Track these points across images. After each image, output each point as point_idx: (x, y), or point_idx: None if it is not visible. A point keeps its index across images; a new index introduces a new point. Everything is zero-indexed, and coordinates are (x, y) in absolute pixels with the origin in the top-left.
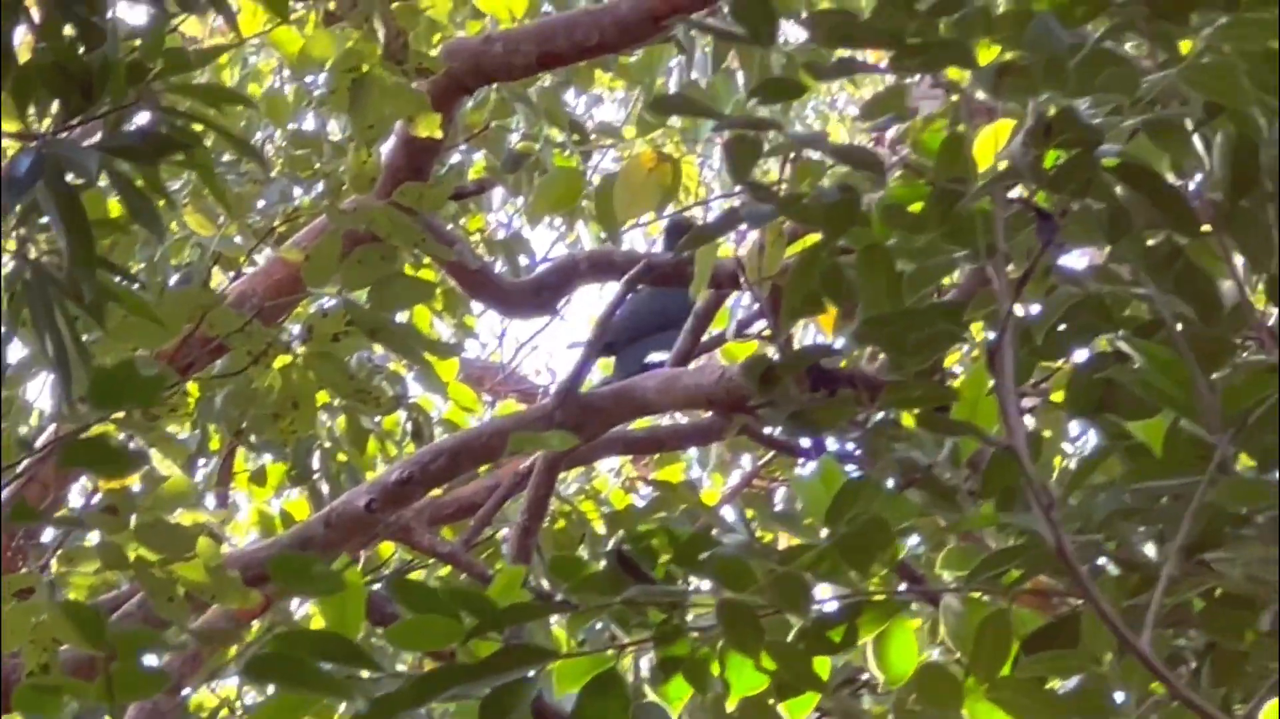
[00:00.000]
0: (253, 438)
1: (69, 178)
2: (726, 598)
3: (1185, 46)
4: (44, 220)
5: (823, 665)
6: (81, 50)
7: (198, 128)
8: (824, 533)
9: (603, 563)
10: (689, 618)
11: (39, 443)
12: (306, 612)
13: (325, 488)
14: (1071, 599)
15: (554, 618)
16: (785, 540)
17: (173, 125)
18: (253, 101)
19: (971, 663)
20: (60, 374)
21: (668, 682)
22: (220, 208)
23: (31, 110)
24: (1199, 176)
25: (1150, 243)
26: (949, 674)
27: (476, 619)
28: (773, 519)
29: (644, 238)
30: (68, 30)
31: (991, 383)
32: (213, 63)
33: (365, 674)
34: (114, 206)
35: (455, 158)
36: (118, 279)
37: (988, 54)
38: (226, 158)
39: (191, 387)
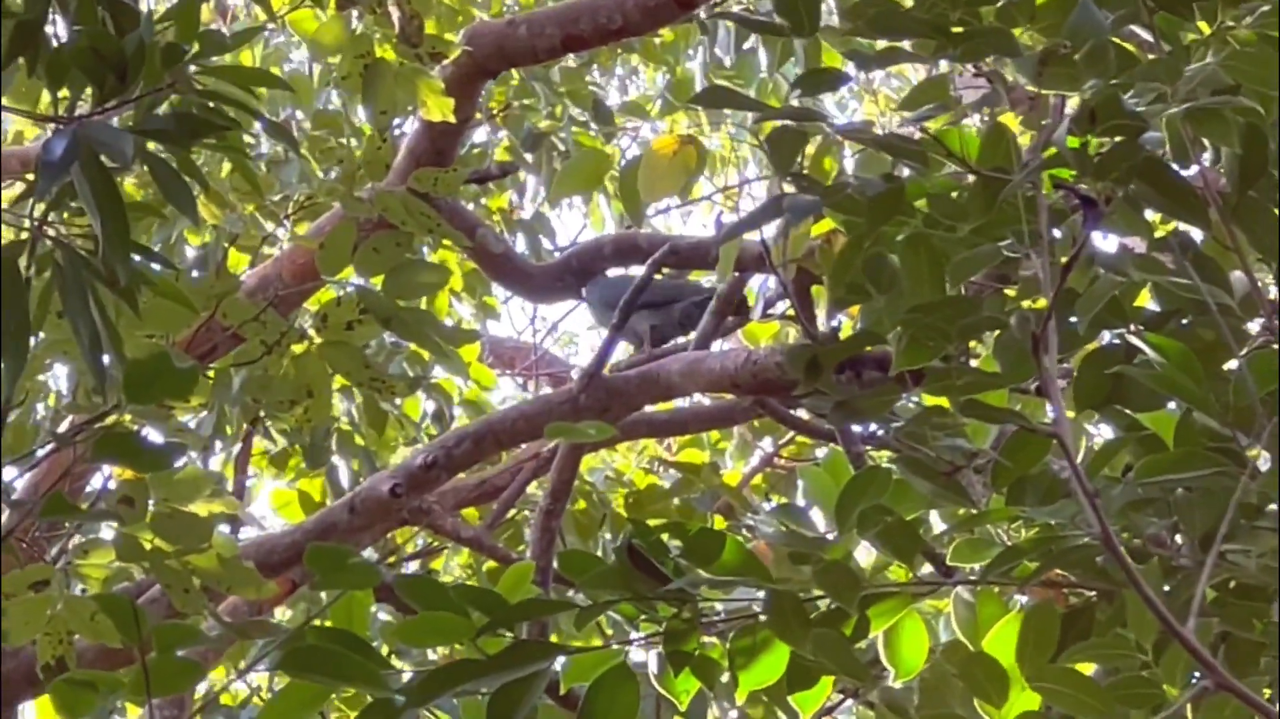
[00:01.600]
0: (269, 425)
1: (104, 161)
2: (775, 588)
3: (1189, 37)
4: (75, 204)
5: None
6: (114, 33)
7: (229, 110)
8: (828, 528)
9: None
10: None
11: (60, 429)
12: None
13: (344, 475)
14: (1082, 590)
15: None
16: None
17: (206, 108)
18: (288, 84)
19: (1018, 655)
20: (92, 361)
21: (676, 676)
22: (237, 192)
23: (66, 93)
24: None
25: (1161, 234)
26: (995, 664)
27: (487, 615)
28: (780, 515)
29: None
30: (99, 13)
31: (1000, 368)
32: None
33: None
34: (132, 190)
35: (480, 137)
36: (150, 263)
37: (1030, 42)
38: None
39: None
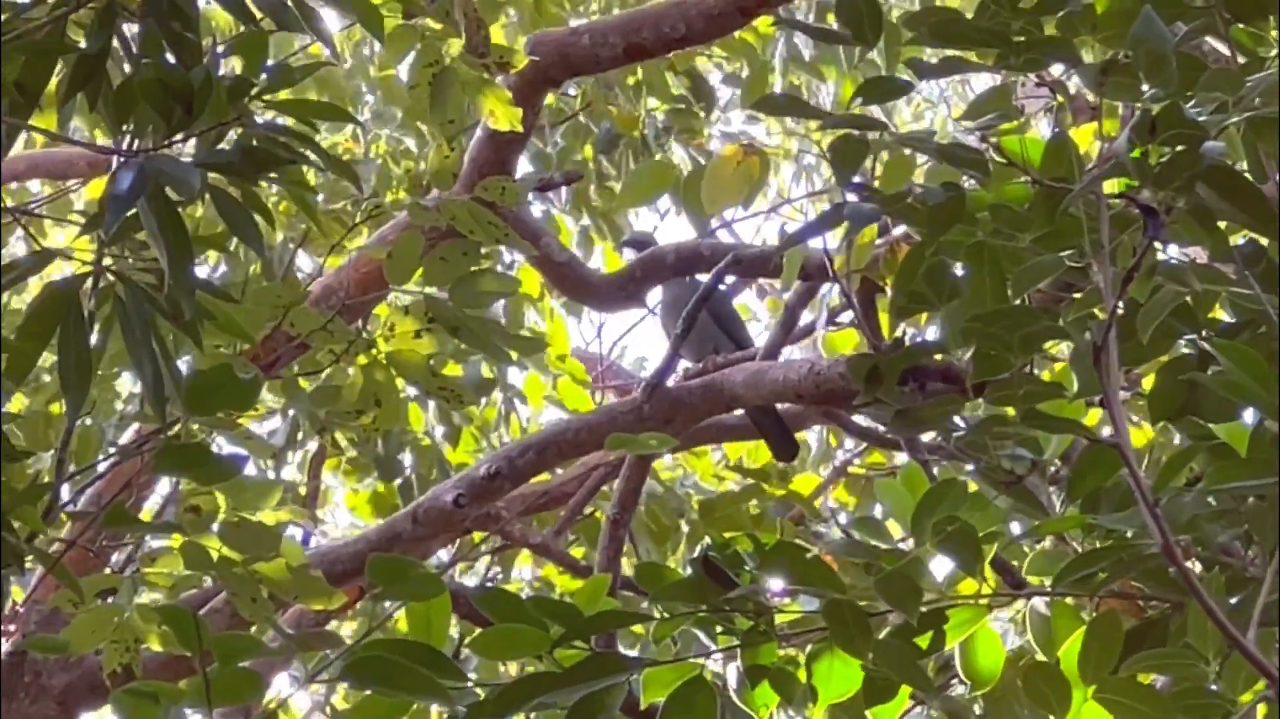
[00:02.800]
0: (337, 434)
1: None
2: (833, 598)
3: (1263, 51)
4: (139, 235)
5: None
6: (177, 66)
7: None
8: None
9: (689, 568)
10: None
11: (124, 439)
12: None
13: (415, 485)
14: (1158, 602)
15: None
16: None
17: (272, 141)
18: (353, 117)
19: (1079, 664)
20: (154, 395)
21: (755, 689)
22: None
23: (132, 125)
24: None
25: (1236, 242)
26: (1056, 673)
27: (563, 627)
28: (858, 526)
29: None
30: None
31: (1077, 383)
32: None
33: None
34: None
35: (555, 139)
36: (214, 298)
37: (1092, 51)
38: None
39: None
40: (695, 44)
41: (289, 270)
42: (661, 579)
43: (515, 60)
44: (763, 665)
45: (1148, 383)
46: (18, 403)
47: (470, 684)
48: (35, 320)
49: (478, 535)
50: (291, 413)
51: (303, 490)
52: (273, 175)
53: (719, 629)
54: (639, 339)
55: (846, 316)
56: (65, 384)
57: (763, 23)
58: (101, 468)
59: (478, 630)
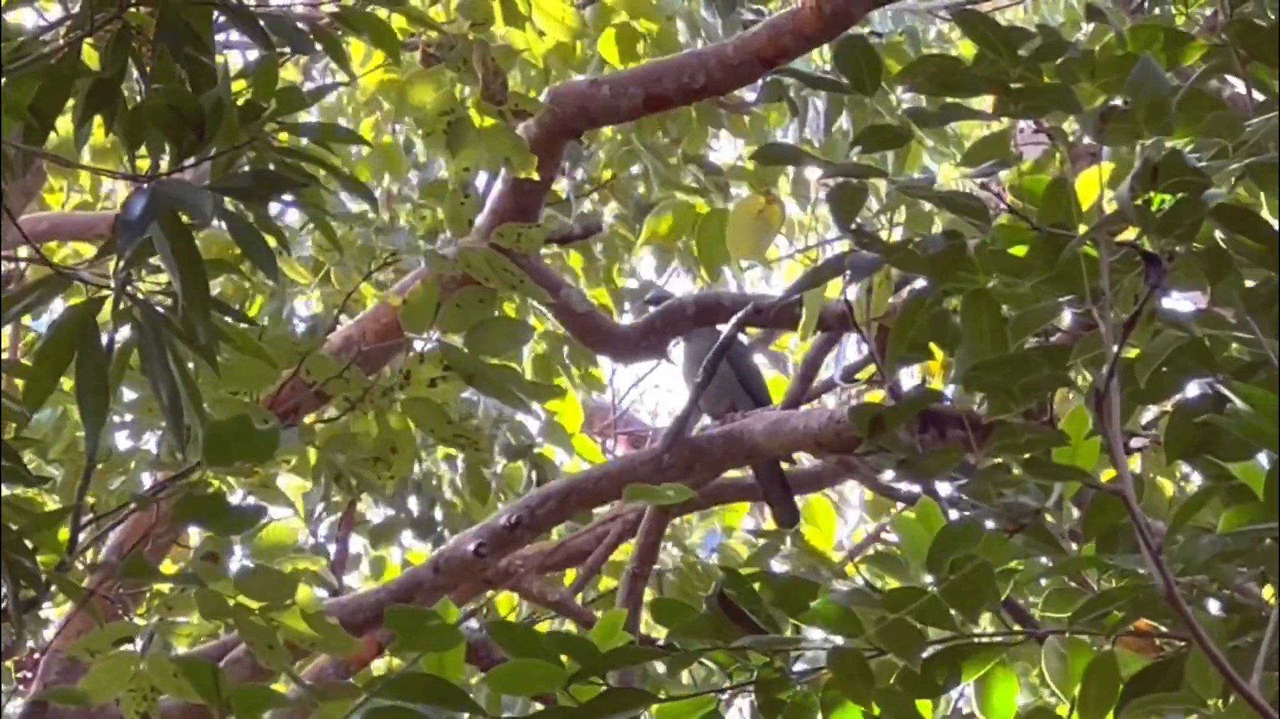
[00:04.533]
0: (353, 481)
1: (183, 219)
2: (837, 646)
3: None
4: (153, 260)
5: (925, 709)
6: (191, 90)
7: (310, 168)
8: (926, 577)
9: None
10: (792, 662)
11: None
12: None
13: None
14: (1175, 641)
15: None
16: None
17: (285, 165)
18: (363, 139)
19: (1079, 706)
20: (172, 420)
21: None
22: (324, 251)
23: (144, 151)
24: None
25: (1250, 284)
26: (1054, 717)
27: (579, 663)
28: (875, 563)
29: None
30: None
31: (1092, 424)
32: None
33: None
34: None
35: (585, 206)
36: (228, 319)
37: (1091, 98)
38: (353, 208)
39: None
40: (714, 94)
41: (329, 332)
42: (678, 616)
43: (532, 108)
44: (777, 702)
45: None
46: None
47: (487, 716)
48: (52, 345)
49: (508, 600)
50: (324, 474)
51: (331, 552)
52: (287, 198)
53: (733, 666)
54: (650, 389)
55: (866, 371)
56: (82, 406)
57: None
58: (119, 520)
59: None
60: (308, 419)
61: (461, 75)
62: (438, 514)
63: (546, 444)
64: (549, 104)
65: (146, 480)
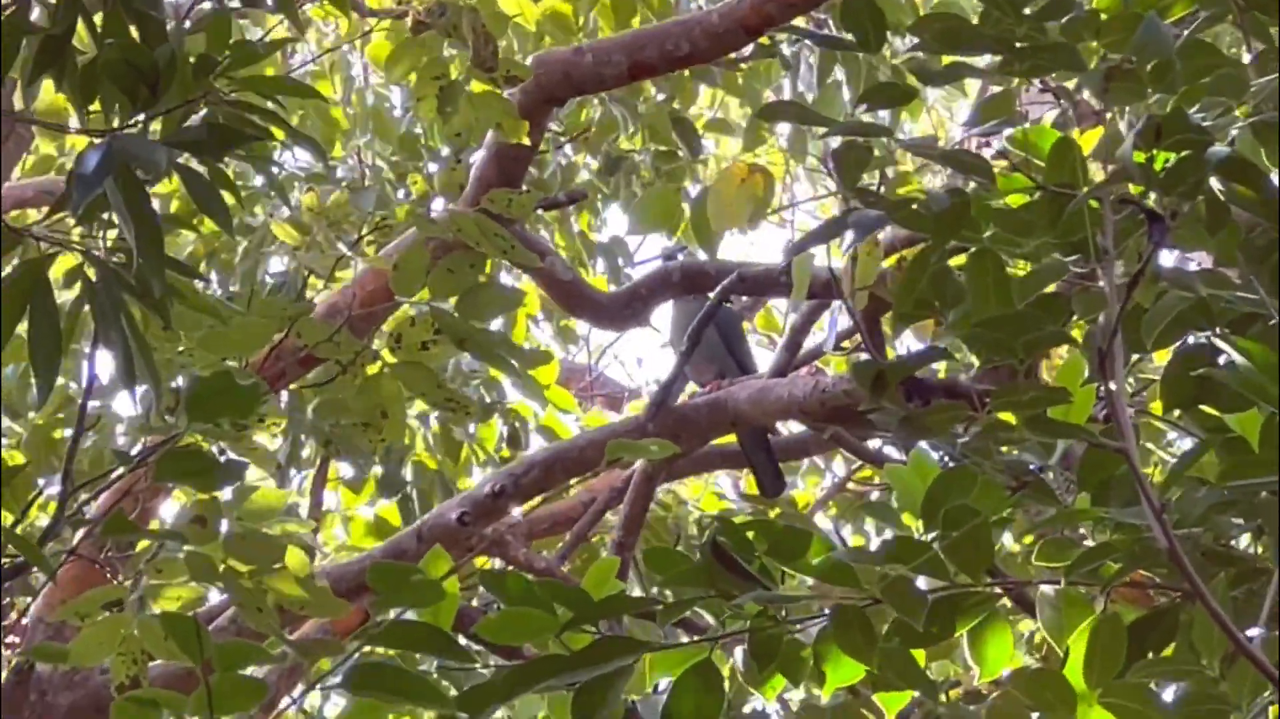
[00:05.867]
0: (341, 449)
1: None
2: (839, 602)
3: None
4: (106, 216)
5: (918, 658)
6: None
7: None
8: (919, 526)
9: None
10: (784, 612)
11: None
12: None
13: (415, 501)
14: (1169, 591)
15: None
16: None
17: (237, 118)
18: (317, 93)
19: (1084, 667)
20: (123, 375)
21: (763, 672)
22: (310, 212)
23: (97, 106)
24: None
25: (1248, 236)
26: (1059, 677)
27: (571, 612)
28: (867, 511)
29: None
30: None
31: (1088, 375)
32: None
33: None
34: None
35: (559, 157)
36: (183, 277)
37: (1095, 57)
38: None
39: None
40: (699, 62)
41: (301, 293)
42: (671, 564)
43: (523, 74)
44: (771, 650)
45: (1155, 408)
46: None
47: (478, 666)
48: (4, 302)
49: (482, 561)
50: (293, 430)
51: (304, 513)
52: (239, 152)
53: (726, 614)
54: (625, 349)
55: (852, 341)
56: (35, 358)
57: (766, 66)
58: (107, 483)
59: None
60: (294, 385)
61: (452, 41)
62: (407, 474)
63: (520, 400)
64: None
65: (120, 440)
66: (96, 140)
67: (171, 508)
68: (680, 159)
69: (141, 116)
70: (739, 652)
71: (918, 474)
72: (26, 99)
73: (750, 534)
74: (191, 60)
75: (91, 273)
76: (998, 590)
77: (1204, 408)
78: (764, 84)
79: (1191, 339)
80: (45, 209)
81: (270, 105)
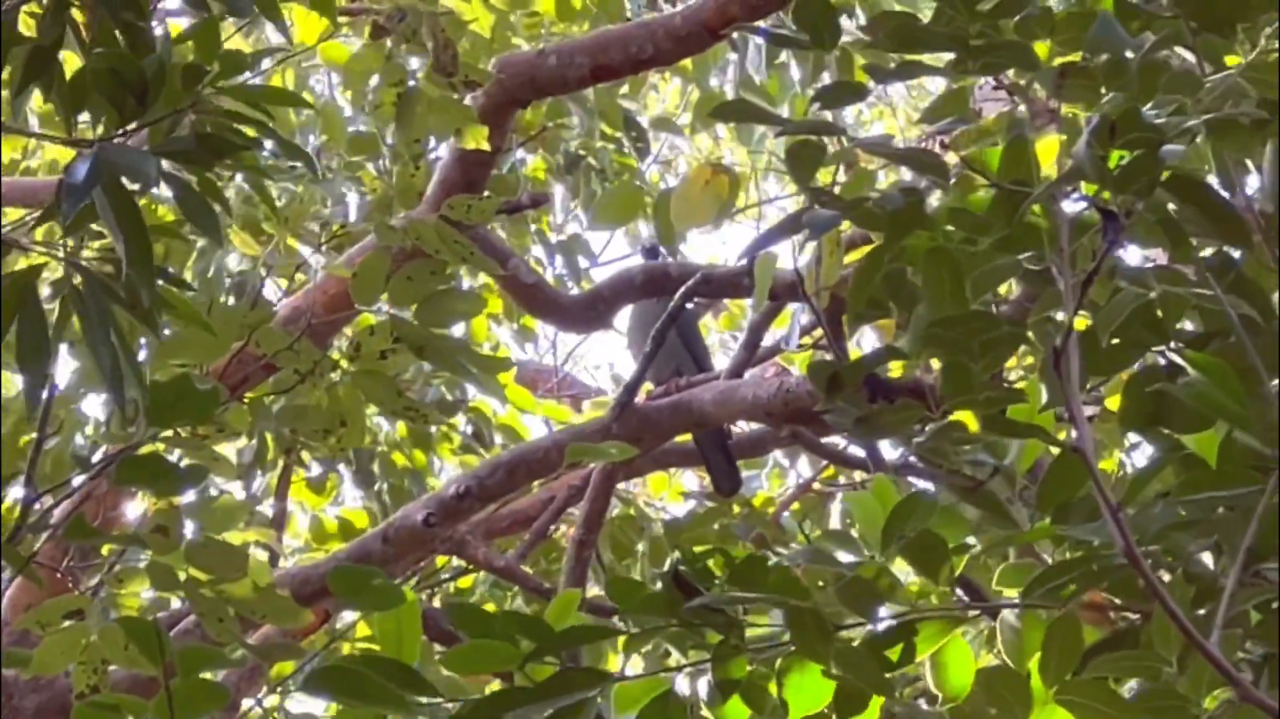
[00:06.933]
0: (304, 454)
1: (126, 183)
2: (793, 603)
3: (1231, 60)
4: (94, 226)
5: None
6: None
7: (249, 131)
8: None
9: (659, 583)
10: (747, 638)
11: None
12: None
13: (387, 496)
14: (1129, 614)
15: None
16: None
17: (225, 128)
18: (308, 101)
19: (1040, 666)
20: (113, 386)
21: (725, 702)
22: (269, 219)
23: (86, 116)
24: (1251, 187)
25: (1205, 254)
26: (1016, 676)
27: (534, 643)
28: (828, 537)
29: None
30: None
31: (1046, 396)
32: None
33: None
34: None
35: (516, 156)
36: (173, 287)
37: (1049, 55)
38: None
39: (247, 398)
40: (662, 64)
41: (259, 296)
42: (632, 594)
43: (482, 79)
44: (733, 679)
45: (1111, 403)
46: None
47: (441, 701)
48: None
49: (441, 560)
50: (258, 434)
51: (267, 511)
52: (227, 162)
53: (689, 644)
54: (591, 350)
55: (813, 336)
56: (25, 371)
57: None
58: (70, 489)
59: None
60: (256, 392)
61: (411, 46)
62: (375, 467)
63: (482, 398)
64: (496, 75)
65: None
66: (85, 150)
67: (136, 510)
68: (630, 156)
69: (131, 126)
70: (703, 682)
71: (879, 500)
72: (15, 109)
73: (710, 563)
74: (180, 69)
75: (79, 282)
76: (957, 614)
77: (1162, 429)
78: (713, 68)
79: (1150, 359)
80: (33, 218)
81: (258, 114)
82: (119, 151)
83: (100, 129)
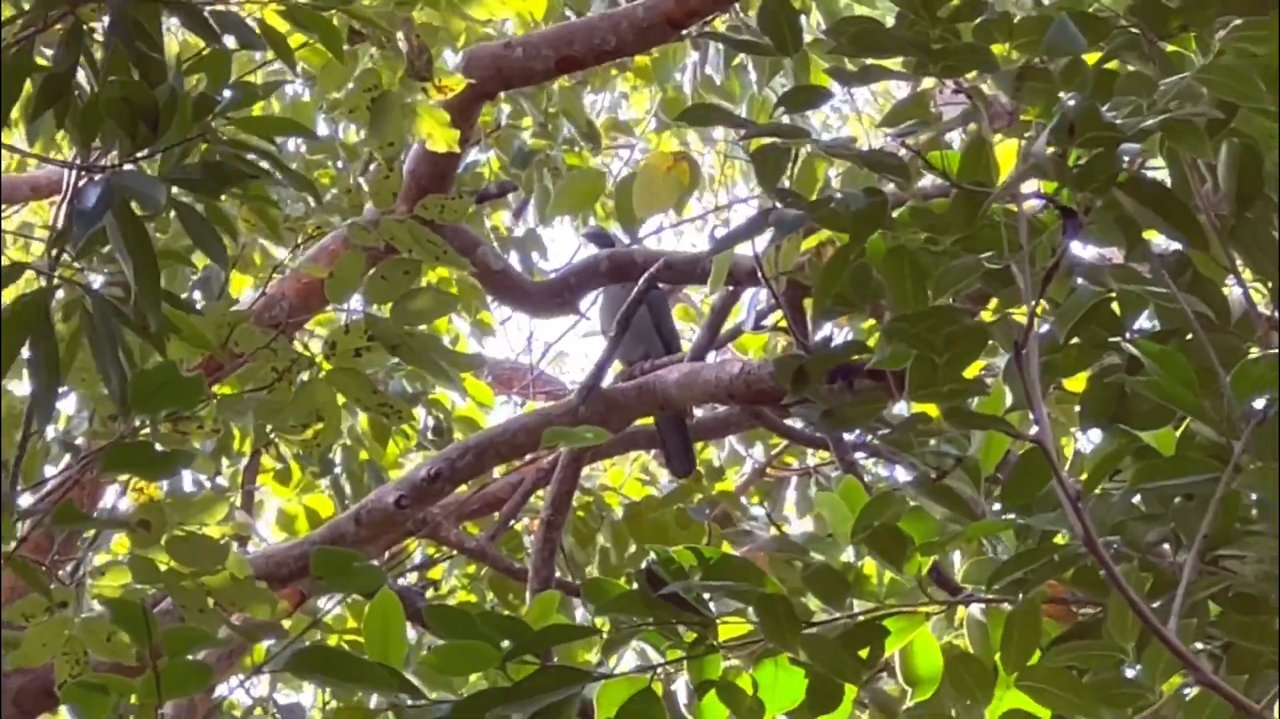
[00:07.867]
0: (278, 446)
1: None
2: (761, 592)
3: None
4: (105, 250)
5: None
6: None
7: (253, 159)
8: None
9: (633, 580)
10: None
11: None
12: (337, 612)
13: (348, 485)
14: (1090, 608)
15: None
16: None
17: (234, 157)
18: (312, 131)
19: (1001, 653)
20: (122, 408)
21: (702, 701)
22: (246, 222)
23: (98, 143)
24: (1205, 186)
25: (1161, 253)
26: (979, 663)
27: (513, 643)
28: (799, 541)
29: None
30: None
31: (1009, 399)
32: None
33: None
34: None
35: (471, 155)
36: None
37: (1008, 58)
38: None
39: (216, 389)
40: (625, 55)
41: (224, 291)
42: (606, 593)
43: (455, 85)
44: (709, 678)
45: (1070, 383)
46: None
47: (427, 703)
48: (6, 330)
49: (412, 543)
50: (224, 424)
51: (236, 500)
52: (235, 190)
53: (666, 644)
54: (570, 346)
55: (772, 319)
56: (35, 395)
57: (674, 49)
58: (52, 477)
59: (426, 635)
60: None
61: (385, 52)
62: (336, 456)
63: (441, 391)
64: (463, 68)
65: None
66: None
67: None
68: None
69: (143, 153)
70: (681, 682)
71: (847, 500)
72: (30, 136)
73: (683, 561)
74: (191, 98)
75: (89, 305)
76: (926, 608)
77: (1122, 426)
78: (674, 68)
79: (1108, 356)
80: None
81: (266, 144)
82: (130, 178)
83: (113, 156)
